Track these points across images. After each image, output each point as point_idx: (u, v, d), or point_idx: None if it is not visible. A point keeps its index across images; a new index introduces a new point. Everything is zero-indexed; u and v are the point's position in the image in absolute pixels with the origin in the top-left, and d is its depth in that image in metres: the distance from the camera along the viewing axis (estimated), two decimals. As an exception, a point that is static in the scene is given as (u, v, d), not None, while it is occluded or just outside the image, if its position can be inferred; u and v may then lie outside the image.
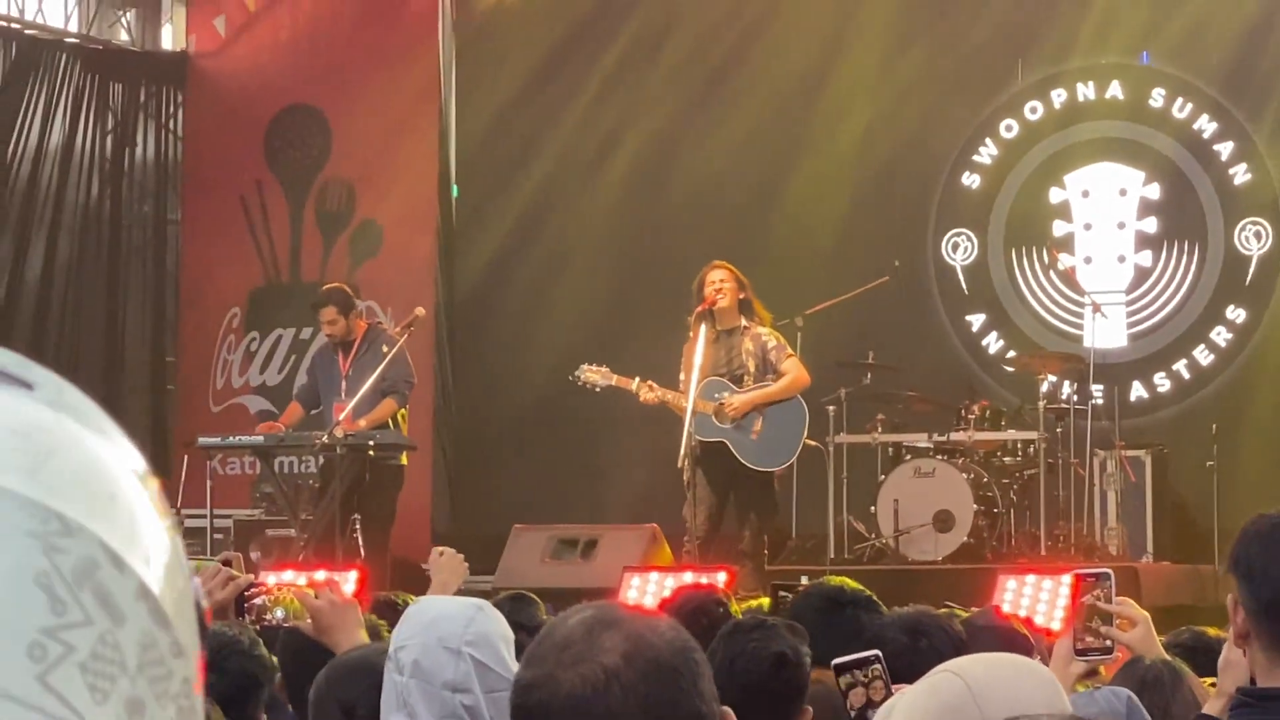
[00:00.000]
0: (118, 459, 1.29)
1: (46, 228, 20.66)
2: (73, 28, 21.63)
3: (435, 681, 4.82)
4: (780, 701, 5.68)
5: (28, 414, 1.27)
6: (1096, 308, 18.35)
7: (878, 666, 5.50)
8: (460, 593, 9.53)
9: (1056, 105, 19.43)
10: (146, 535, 1.27)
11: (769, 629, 6.01)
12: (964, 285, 19.55)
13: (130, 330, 21.15)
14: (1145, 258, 19.18)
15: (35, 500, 1.22)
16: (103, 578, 1.22)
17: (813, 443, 16.28)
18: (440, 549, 9.51)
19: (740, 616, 7.37)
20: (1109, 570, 7.91)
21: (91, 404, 1.31)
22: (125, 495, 1.27)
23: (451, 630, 4.88)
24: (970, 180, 19.57)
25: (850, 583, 8.11)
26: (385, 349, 16.36)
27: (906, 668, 5.24)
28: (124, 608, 1.23)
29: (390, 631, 6.98)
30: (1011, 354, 18.96)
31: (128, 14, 22.08)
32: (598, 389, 15.94)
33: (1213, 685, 5.62)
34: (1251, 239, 18.89)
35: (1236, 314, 18.91)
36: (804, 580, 9.87)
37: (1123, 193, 19.25)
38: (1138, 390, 18.67)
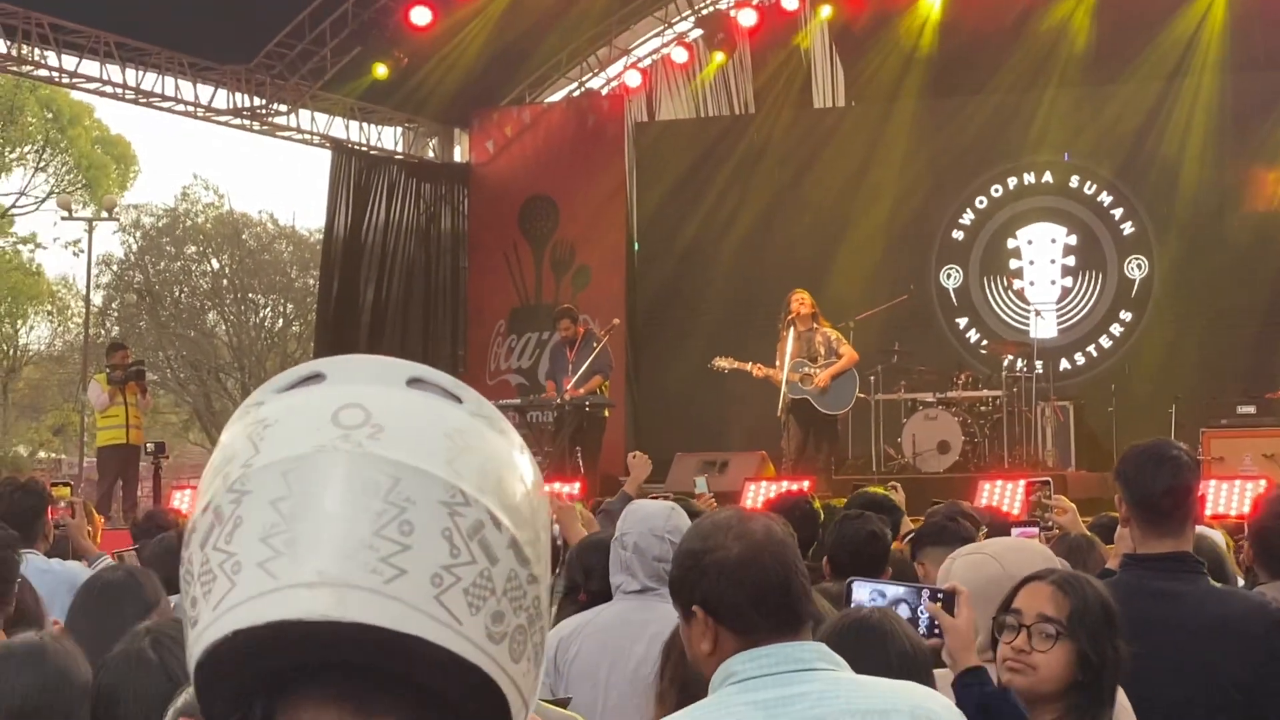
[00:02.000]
0: (511, 454, 1.29)
1: (388, 273, 20.63)
2: (399, 149, 21.71)
3: (648, 555, 4.86)
4: (874, 560, 5.56)
5: (456, 420, 1.26)
6: (1038, 313, 18.56)
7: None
8: (645, 489, 9.61)
9: (1010, 187, 19.36)
10: (521, 504, 1.26)
11: (864, 517, 5.91)
12: (954, 300, 19.51)
13: (438, 334, 21.08)
14: (1068, 281, 19.17)
15: (448, 481, 1.22)
16: (486, 534, 1.22)
17: (862, 396, 16.19)
18: (634, 453, 9.64)
19: (820, 509, 7.26)
20: (1049, 478, 8.00)
21: (499, 414, 1.30)
22: (510, 478, 1.27)
23: (657, 524, 4.90)
24: (958, 234, 19.53)
25: (882, 489, 8.20)
26: (595, 344, 16.29)
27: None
28: (498, 554, 1.23)
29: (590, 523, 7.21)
30: (985, 343, 18.88)
31: (433, 140, 22.10)
32: (726, 371, 15.76)
33: (1112, 551, 5.52)
34: (1135, 269, 18.89)
35: (1126, 316, 18.94)
36: (857, 486, 9.79)
37: (1053, 241, 19.24)
38: (1064, 364, 18.58)
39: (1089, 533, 6.36)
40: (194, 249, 36.61)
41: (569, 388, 16.15)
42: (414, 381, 1.27)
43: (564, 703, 3.49)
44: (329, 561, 1.17)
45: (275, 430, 1.23)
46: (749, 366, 15.60)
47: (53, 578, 5.91)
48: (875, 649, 3.20)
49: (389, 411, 1.23)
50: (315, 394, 1.25)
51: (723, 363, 15.82)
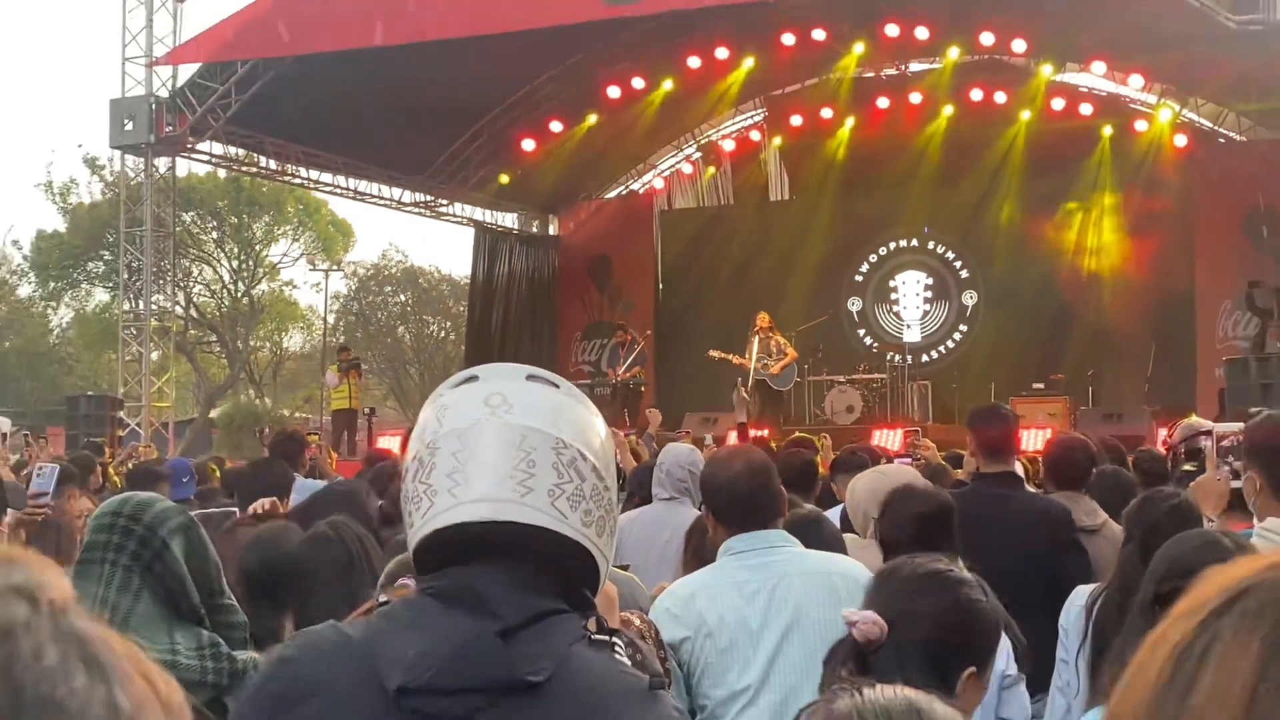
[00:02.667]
0: (590, 416, 1.31)
1: (510, 305, 20.26)
2: (516, 227, 21.41)
3: (674, 477, 4.71)
4: (807, 480, 5.13)
5: (557, 399, 1.28)
6: (908, 326, 18.53)
7: None
8: (666, 436, 9.25)
9: (892, 247, 19.11)
10: (597, 445, 1.28)
11: (800, 453, 5.62)
12: (856, 319, 19.21)
13: (540, 342, 20.39)
14: (927, 306, 18.93)
15: (554, 434, 1.24)
16: (578, 464, 1.24)
17: (799, 379, 16.06)
18: (650, 409, 9.63)
19: (775, 446, 7.17)
20: (918, 428, 7.88)
21: (581, 393, 1.33)
22: (590, 430, 1.29)
23: (682, 458, 4.74)
24: (859, 277, 19.23)
25: (811, 437, 8.10)
26: (636, 347, 16.30)
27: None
28: (585, 474, 1.25)
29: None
30: (875, 345, 18.69)
31: (536, 221, 21.72)
32: (717, 359, 15.51)
33: (960, 472, 5.50)
34: (969, 299, 18.67)
35: (963, 328, 18.70)
36: (797, 433, 9.63)
37: (918, 281, 18.99)
38: (925, 358, 18.30)
39: (943, 461, 6.30)
40: (389, 288, 36.94)
41: (621, 373, 16.21)
42: (530, 377, 1.30)
43: (624, 567, 3.42)
44: (487, 487, 1.22)
45: (450, 411, 1.27)
46: (731, 357, 15.44)
47: (308, 490, 5.94)
48: (814, 534, 3.18)
49: (517, 396, 1.26)
50: (473, 388, 1.28)
51: (714, 353, 15.60)
